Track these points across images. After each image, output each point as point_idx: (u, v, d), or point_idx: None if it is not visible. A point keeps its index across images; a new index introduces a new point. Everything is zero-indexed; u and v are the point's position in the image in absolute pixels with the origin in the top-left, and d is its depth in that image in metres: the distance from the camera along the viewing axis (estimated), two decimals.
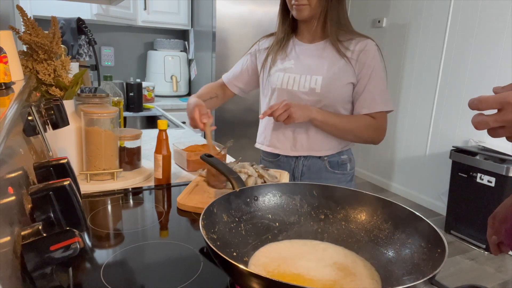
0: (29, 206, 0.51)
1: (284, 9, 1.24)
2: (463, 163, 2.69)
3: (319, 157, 1.25)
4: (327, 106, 1.20)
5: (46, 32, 1.00)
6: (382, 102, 1.19)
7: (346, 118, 1.21)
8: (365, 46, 1.18)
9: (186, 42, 3.32)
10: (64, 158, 0.67)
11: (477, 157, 2.61)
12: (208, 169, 1.03)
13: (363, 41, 1.19)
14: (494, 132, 0.51)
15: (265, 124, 1.33)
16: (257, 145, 1.37)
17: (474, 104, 0.49)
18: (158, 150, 1.05)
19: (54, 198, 0.51)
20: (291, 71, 1.22)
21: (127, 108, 2.61)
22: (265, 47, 1.32)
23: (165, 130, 1.05)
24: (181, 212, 0.92)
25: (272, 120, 1.27)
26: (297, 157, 1.27)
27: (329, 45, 1.20)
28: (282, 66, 1.24)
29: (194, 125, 1.14)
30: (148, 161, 1.24)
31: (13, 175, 0.50)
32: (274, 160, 1.32)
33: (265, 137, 1.32)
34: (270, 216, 0.74)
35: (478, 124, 0.50)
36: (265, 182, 1.00)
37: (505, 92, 0.49)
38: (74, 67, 1.64)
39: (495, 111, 0.50)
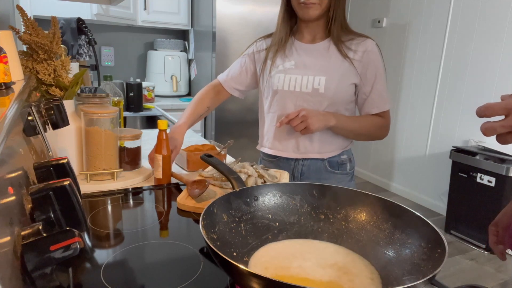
0: (29, 206, 0.51)
1: (287, 9, 1.22)
2: (463, 163, 2.69)
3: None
4: (330, 106, 1.19)
5: (46, 32, 1.00)
6: (388, 101, 1.22)
7: (361, 121, 1.23)
8: (368, 46, 1.18)
9: (186, 42, 3.32)
10: (64, 158, 0.67)
11: (477, 157, 2.61)
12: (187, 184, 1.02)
13: (364, 41, 1.19)
14: (503, 139, 0.52)
15: (267, 127, 1.31)
16: (260, 148, 1.36)
17: (481, 111, 0.51)
18: (158, 150, 1.05)
19: (54, 198, 0.51)
20: (292, 72, 1.21)
21: (127, 108, 2.61)
22: (264, 48, 1.29)
23: (165, 130, 1.05)
24: (181, 212, 0.92)
25: (274, 123, 1.27)
26: (297, 158, 1.27)
27: (331, 45, 1.20)
28: (282, 67, 1.23)
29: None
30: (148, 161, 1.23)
31: (13, 175, 0.50)
32: (274, 160, 1.31)
33: (267, 140, 1.31)
34: (270, 216, 0.74)
35: (486, 130, 0.51)
36: (265, 182, 1.00)
37: (511, 97, 0.50)
38: (74, 67, 1.64)
39: (503, 117, 0.50)
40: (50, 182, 0.53)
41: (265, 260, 0.64)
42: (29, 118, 0.70)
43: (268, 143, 1.31)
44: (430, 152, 3.31)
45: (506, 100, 0.50)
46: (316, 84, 1.18)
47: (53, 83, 1.01)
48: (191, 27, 3.20)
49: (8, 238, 0.41)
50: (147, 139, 1.30)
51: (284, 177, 1.10)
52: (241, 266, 0.49)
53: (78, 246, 0.45)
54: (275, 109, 1.26)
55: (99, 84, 2.05)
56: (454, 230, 2.83)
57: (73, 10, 2.34)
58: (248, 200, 0.74)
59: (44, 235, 0.44)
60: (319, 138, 1.23)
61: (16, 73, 0.84)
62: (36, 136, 0.74)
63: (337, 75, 1.17)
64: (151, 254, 0.73)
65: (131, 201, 0.99)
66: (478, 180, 2.60)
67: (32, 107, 0.71)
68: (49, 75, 1.00)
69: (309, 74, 1.19)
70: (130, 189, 1.04)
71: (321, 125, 1.12)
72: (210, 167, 1.08)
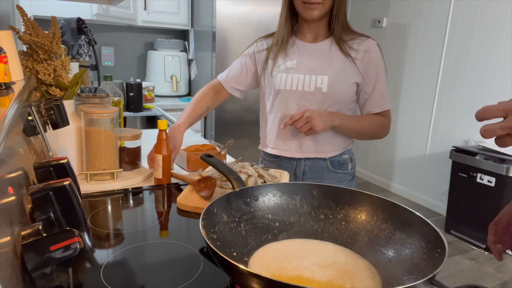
0: (29, 206, 0.51)
1: (289, 9, 1.22)
2: (463, 163, 2.69)
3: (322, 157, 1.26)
4: (332, 105, 1.20)
5: (46, 32, 1.00)
6: (389, 101, 1.23)
7: (363, 120, 1.23)
8: (369, 46, 1.18)
9: (186, 42, 3.32)
10: (64, 158, 0.67)
11: (477, 157, 2.61)
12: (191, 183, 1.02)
13: (366, 41, 1.19)
14: (501, 141, 0.52)
15: (269, 127, 1.31)
16: (261, 148, 1.36)
17: (480, 114, 0.51)
18: (158, 150, 1.05)
19: (54, 198, 0.51)
20: (294, 71, 1.21)
21: (127, 108, 2.61)
22: (264, 48, 1.29)
23: (165, 130, 1.05)
24: (181, 212, 0.92)
25: (277, 123, 1.27)
26: (299, 158, 1.27)
27: (333, 45, 1.20)
28: (284, 66, 1.23)
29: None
30: None
31: (13, 175, 0.50)
32: (276, 160, 1.31)
33: (270, 140, 1.31)
34: (270, 216, 0.74)
35: (485, 132, 0.51)
36: (265, 182, 1.00)
37: (509, 100, 0.50)
38: (74, 67, 1.64)
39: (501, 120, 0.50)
40: (50, 182, 0.53)
41: (265, 260, 0.64)
42: (29, 118, 0.70)
43: (270, 143, 1.31)
44: (430, 152, 3.31)
45: (505, 102, 0.50)
46: (319, 83, 1.18)
47: (53, 83, 1.01)
48: (191, 27, 3.20)
49: (8, 238, 0.41)
50: (147, 139, 1.30)
51: (284, 177, 1.10)
52: (241, 266, 0.49)
53: (78, 246, 0.45)
54: (277, 108, 1.26)
55: (99, 84, 2.05)
56: (454, 230, 2.82)
57: (73, 10, 2.34)
58: (248, 200, 0.74)
59: (44, 235, 0.44)
60: (321, 137, 1.23)
61: (16, 73, 0.84)
62: (36, 136, 0.74)
63: (340, 74, 1.18)
64: (151, 254, 0.73)
65: (131, 201, 0.99)
66: (478, 180, 2.59)
67: (32, 107, 0.71)
68: (49, 75, 1.00)
69: (311, 73, 1.19)
70: (130, 189, 1.04)
71: (326, 125, 1.12)
72: (210, 167, 1.08)
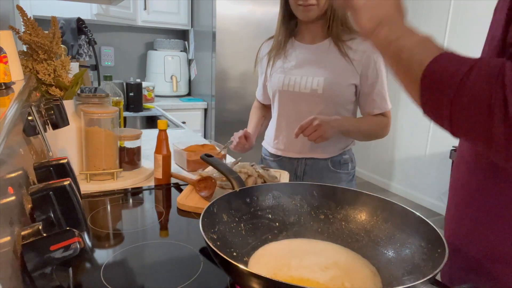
0: (29, 206, 0.51)
1: (285, 11, 1.22)
2: None
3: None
4: (328, 107, 1.19)
5: (46, 32, 1.00)
6: (389, 101, 1.23)
7: (366, 122, 1.24)
8: (369, 46, 1.17)
9: (186, 42, 3.32)
10: (64, 158, 0.67)
11: None
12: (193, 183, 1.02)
13: (366, 40, 1.18)
14: None
15: (270, 127, 1.35)
16: (264, 144, 1.39)
17: None
18: (158, 150, 1.05)
19: (54, 198, 0.51)
20: (292, 72, 1.22)
21: (127, 108, 2.61)
22: (267, 52, 1.31)
23: (165, 130, 1.05)
24: (181, 212, 0.92)
25: (275, 123, 1.29)
26: (300, 157, 1.27)
27: (331, 45, 1.20)
28: (282, 68, 1.24)
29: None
30: (148, 161, 1.23)
31: (13, 175, 0.50)
32: (276, 159, 1.32)
33: (271, 138, 1.33)
34: (270, 216, 0.74)
35: None
36: (265, 182, 1.00)
37: None
38: (74, 67, 1.64)
39: None
40: (50, 182, 0.53)
41: (265, 260, 0.64)
42: (29, 118, 0.70)
43: (271, 142, 1.33)
44: (430, 152, 3.31)
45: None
46: (314, 85, 1.18)
47: (53, 83, 1.01)
48: (191, 27, 3.20)
49: (8, 238, 0.41)
50: (147, 139, 1.30)
51: (284, 177, 1.10)
52: (241, 266, 0.49)
53: (78, 246, 0.45)
54: (275, 109, 1.28)
55: (99, 84, 2.05)
56: None
57: (73, 10, 2.33)
58: (248, 200, 0.74)
59: (44, 235, 0.44)
60: None
61: (16, 73, 0.84)
62: (36, 136, 0.74)
63: (336, 76, 1.17)
64: (151, 254, 0.73)
65: (131, 201, 0.99)
66: None
67: (32, 107, 0.71)
68: (49, 75, 1.00)
69: (308, 75, 1.19)
70: (130, 189, 1.04)
71: (334, 131, 1.13)
72: (210, 167, 1.08)
